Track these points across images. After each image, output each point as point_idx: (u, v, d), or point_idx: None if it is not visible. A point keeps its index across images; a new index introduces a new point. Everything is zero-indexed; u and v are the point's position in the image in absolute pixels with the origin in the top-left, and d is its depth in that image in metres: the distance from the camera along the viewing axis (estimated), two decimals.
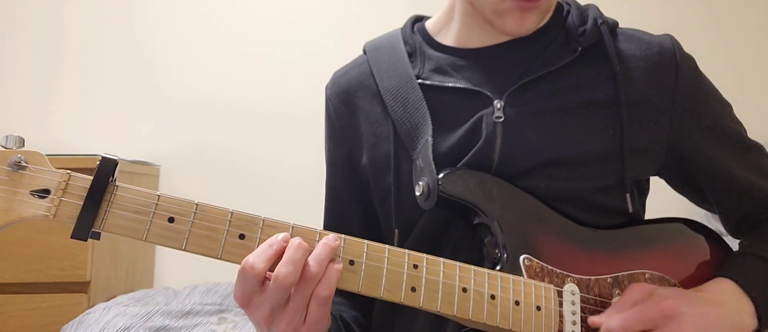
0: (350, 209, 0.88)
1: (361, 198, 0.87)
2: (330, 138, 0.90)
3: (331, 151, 0.90)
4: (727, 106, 0.84)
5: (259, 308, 0.60)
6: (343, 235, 0.63)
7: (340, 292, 0.84)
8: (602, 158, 0.75)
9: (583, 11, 0.83)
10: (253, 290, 0.60)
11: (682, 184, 0.86)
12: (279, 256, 0.60)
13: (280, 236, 0.61)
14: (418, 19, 0.91)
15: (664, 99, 0.78)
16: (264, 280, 0.60)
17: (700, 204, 0.88)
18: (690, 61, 0.82)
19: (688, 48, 0.82)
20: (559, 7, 0.84)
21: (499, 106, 0.76)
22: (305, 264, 0.59)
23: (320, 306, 0.60)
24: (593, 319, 0.68)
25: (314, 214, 0.92)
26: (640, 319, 0.65)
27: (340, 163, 0.88)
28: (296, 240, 0.60)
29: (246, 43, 2.19)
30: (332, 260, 0.61)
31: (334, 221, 0.90)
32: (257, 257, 0.59)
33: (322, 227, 0.79)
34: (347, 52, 0.96)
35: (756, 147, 0.84)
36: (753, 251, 0.77)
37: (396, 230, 0.79)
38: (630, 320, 0.65)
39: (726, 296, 0.71)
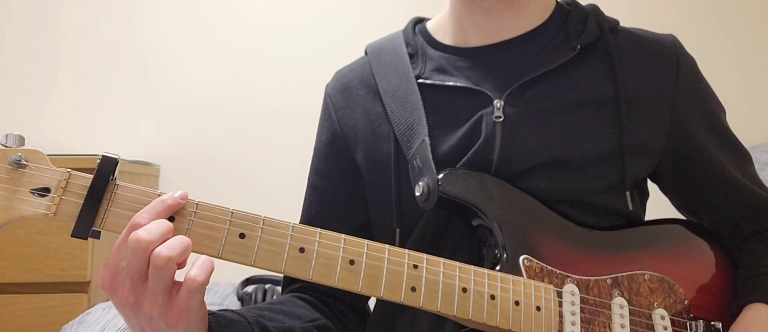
0: (339, 201, 0.86)
1: (351, 192, 0.85)
2: (325, 129, 0.89)
3: (325, 141, 0.88)
4: (723, 110, 0.85)
5: (122, 284, 0.56)
6: (343, 235, 0.63)
7: (302, 312, 0.78)
8: (602, 158, 0.75)
9: (583, 10, 0.83)
10: (122, 256, 0.56)
11: (675, 185, 0.85)
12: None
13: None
14: (420, 21, 0.91)
15: (664, 96, 0.79)
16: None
17: (686, 209, 0.87)
18: (691, 60, 0.82)
19: (691, 50, 0.83)
20: (559, 7, 0.84)
21: (498, 105, 0.76)
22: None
23: (191, 293, 0.56)
24: None
25: None
26: None
27: (334, 154, 0.87)
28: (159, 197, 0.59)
29: (246, 43, 2.19)
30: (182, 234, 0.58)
31: (318, 214, 0.86)
32: (140, 213, 0.57)
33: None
34: (349, 53, 0.96)
35: (747, 154, 0.84)
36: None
37: (397, 230, 0.78)
38: None
39: (764, 323, 0.71)
